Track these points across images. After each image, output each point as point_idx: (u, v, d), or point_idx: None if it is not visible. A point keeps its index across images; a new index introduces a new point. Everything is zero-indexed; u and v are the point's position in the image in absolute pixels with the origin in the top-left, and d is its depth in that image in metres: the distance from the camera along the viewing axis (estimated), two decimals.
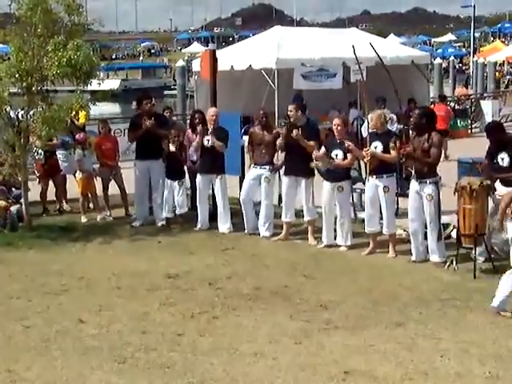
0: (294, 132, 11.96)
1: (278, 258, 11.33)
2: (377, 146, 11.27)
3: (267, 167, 12.67)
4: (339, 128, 11.73)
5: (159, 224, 13.59)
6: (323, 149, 11.81)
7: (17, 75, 12.81)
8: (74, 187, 14.73)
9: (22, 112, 13.27)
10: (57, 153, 14.67)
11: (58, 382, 6.99)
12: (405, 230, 11.96)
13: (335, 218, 11.90)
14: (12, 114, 13.28)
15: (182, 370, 7.19)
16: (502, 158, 10.78)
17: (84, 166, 14.28)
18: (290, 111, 12.28)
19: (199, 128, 13.04)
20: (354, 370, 7.10)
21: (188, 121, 18.56)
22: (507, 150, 10.75)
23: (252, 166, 12.89)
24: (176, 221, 13.64)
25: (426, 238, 11.04)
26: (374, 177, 11.33)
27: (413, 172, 11.13)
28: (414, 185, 10.99)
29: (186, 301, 9.32)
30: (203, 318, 8.64)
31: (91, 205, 14.63)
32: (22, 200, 13.33)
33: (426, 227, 11.03)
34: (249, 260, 11.29)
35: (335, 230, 11.93)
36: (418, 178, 10.87)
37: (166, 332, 8.21)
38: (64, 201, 15.10)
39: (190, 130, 13.80)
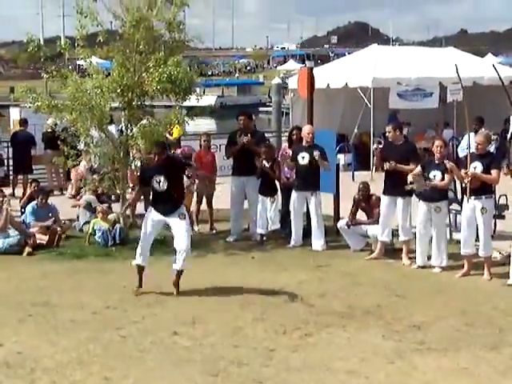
0: (387, 165, 12.02)
1: (371, 277, 11.29)
2: (476, 167, 11.07)
3: None
4: (441, 149, 11.63)
5: (254, 240, 13.71)
6: (419, 169, 11.72)
7: (118, 90, 13.13)
8: None
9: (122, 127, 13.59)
10: None
11: None
12: (500, 253, 11.78)
13: (430, 239, 11.79)
14: (113, 128, 13.56)
15: None
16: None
17: None
18: (389, 132, 12.27)
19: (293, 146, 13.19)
20: None
21: (283, 137, 18.76)
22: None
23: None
24: (269, 237, 13.73)
25: None
26: (473, 198, 11.10)
27: None
28: None
29: (279, 316, 9.36)
30: (295, 334, 8.68)
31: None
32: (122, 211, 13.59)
33: None
34: (342, 278, 11.28)
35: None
36: None
37: (258, 347, 8.27)
38: None
39: (286, 146, 13.97)
